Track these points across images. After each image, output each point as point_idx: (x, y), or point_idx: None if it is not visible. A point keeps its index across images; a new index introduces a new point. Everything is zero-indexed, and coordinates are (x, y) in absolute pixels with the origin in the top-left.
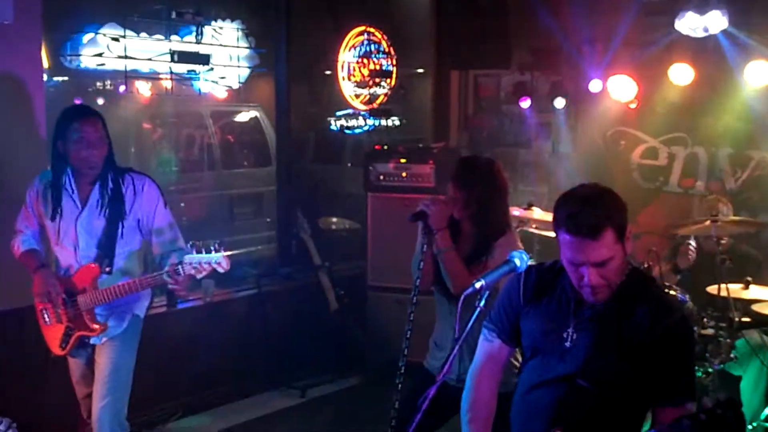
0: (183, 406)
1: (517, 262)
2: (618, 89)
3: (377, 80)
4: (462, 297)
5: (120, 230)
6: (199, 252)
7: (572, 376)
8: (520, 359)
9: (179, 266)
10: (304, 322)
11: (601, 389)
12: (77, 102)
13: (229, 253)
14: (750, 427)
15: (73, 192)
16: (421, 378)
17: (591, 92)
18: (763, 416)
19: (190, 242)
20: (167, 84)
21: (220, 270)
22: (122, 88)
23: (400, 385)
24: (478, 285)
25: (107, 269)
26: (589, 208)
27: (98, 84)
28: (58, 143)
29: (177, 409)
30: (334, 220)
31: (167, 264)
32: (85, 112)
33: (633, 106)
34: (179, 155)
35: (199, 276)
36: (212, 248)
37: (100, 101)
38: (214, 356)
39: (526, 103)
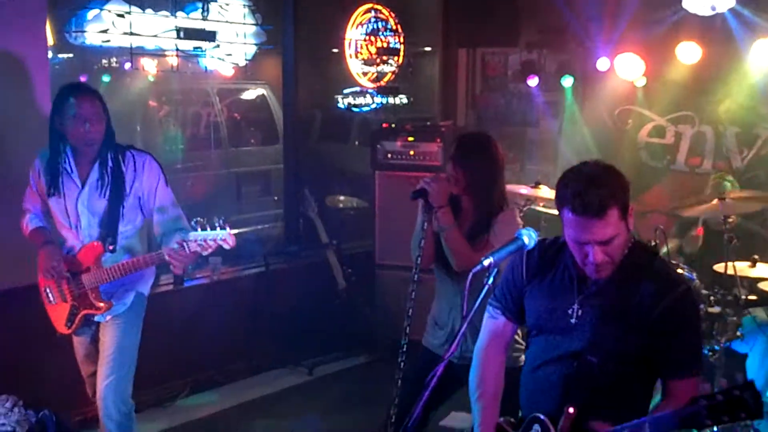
0: (190, 384)
1: (526, 240)
2: (625, 67)
3: (385, 58)
4: (470, 275)
5: (121, 209)
6: (203, 229)
7: (581, 352)
8: (520, 334)
9: (185, 243)
10: (311, 300)
11: (609, 364)
12: (82, 79)
13: (236, 231)
14: None
15: (72, 171)
16: (420, 356)
17: (598, 71)
18: (767, 392)
19: (194, 219)
20: (173, 61)
21: (226, 246)
22: (128, 65)
23: (402, 364)
24: (486, 262)
25: (110, 248)
26: (594, 188)
27: (103, 61)
28: (56, 120)
29: (184, 387)
30: (341, 198)
31: (170, 243)
32: (82, 88)
33: (640, 84)
34: (185, 133)
35: (204, 253)
36: (217, 225)
37: (106, 78)
38: (221, 334)
39: (533, 82)
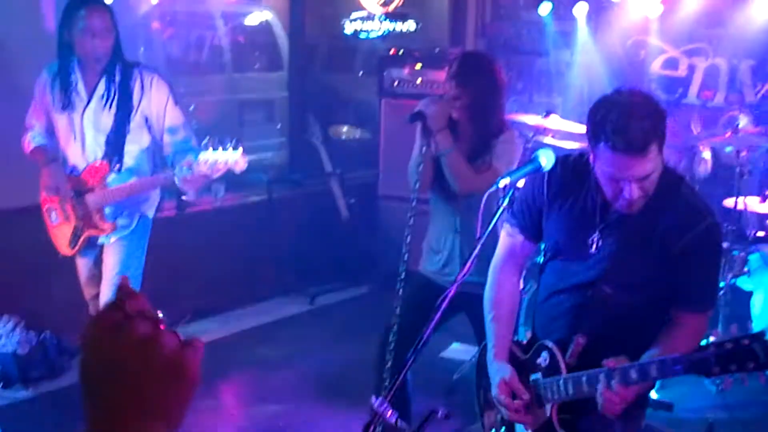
0: (192, 311)
1: (543, 161)
2: None
3: None
4: (485, 195)
5: (128, 126)
6: (214, 150)
7: (595, 281)
8: None
9: (194, 165)
10: (314, 229)
11: (623, 294)
12: None
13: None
14: None
15: (78, 83)
16: (416, 282)
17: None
18: None
19: (204, 140)
20: None
21: (237, 170)
22: None
23: (400, 291)
24: (501, 183)
25: (116, 167)
26: (636, 122)
27: None
28: (64, 32)
29: (186, 313)
30: (345, 129)
31: (180, 163)
32: (92, 0)
33: (655, 14)
34: (188, 56)
35: (214, 175)
36: (229, 146)
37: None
38: (223, 261)
39: (545, 10)
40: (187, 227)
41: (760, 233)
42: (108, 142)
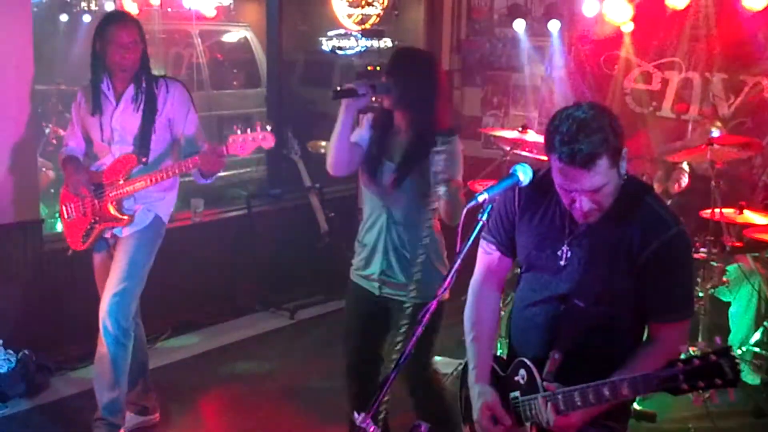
0: (172, 325)
1: (521, 175)
2: (613, 11)
3: (370, 0)
4: (464, 211)
5: (153, 125)
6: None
7: (567, 295)
8: None
9: (222, 147)
10: (294, 243)
11: (596, 307)
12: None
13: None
14: (739, 351)
15: (108, 90)
16: (350, 292)
17: (586, 15)
18: (750, 341)
19: (234, 127)
20: (155, 1)
21: (265, 146)
22: (109, 5)
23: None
24: (481, 198)
25: (144, 160)
26: (583, 135)
27: (83, 4)
28: (97, 44)
29: (165, 329)
30: (323, 143)
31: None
32: (121, 17)
33: (627, 29)
34: (167, 74)
35: (242, 153)
36: (257, 128)
37: (87, 18)
38: (203, 276)
39: (519, 26)
40: (167, 242)
41: (738, 243)
42: (135, 142)
